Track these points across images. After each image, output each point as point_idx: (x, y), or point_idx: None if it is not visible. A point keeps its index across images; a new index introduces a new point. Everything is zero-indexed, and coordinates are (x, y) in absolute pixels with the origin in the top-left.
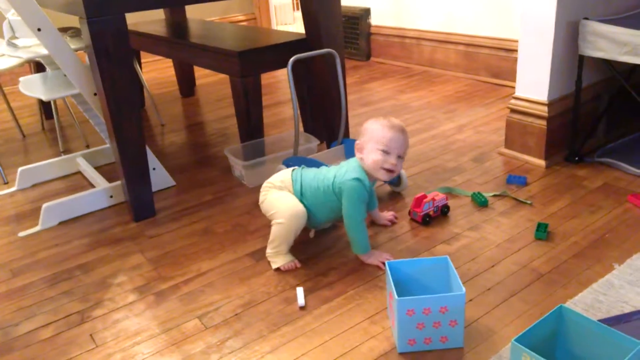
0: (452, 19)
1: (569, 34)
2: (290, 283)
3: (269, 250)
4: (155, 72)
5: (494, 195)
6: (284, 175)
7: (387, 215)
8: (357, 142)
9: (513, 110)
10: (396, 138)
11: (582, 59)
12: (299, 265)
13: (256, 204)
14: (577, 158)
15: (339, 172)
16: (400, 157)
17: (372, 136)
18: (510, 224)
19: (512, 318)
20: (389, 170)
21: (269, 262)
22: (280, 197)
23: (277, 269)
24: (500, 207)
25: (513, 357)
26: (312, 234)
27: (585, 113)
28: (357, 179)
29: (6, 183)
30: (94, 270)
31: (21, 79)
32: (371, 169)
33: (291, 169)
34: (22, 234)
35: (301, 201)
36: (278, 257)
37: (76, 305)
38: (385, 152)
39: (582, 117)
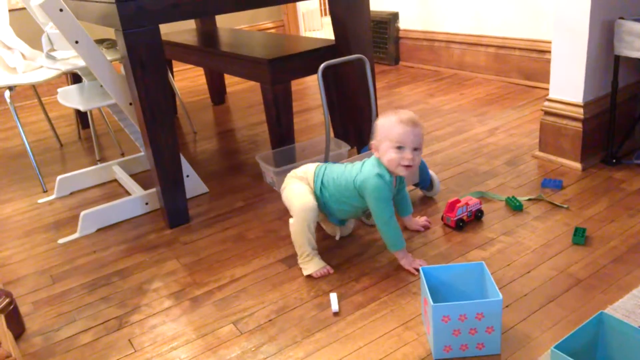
0: (481, 21)
1: (604, 34)
2: (322, 289)
3: (299, 259)
4: (187, 80)
5: (529, 200)
6: (307, 168)
7: (420, 220)
8: (371, 142)
9: (547, 113)
10: (407, 132)
11: (618, 59)
12: (332, 271)
13: (287, 211)
14: (614, 160)
15: (361, 168)
16: (416, 150)
17: (385, 134)
18: (546, 229)
19: (550, 324)
20: (407, 166)
21: (300, 269)
22: (295, 190)
23: (309, 276)
24: (535, 212)
25: None
26: (337, 236)
27: (622, 114)
28: (378, 175)
29: (45, 191)
30: (130, 276)
31: (59, 89)
32: (389, 167)
33: (316, 163)
34: (61, 240)
35: (320, 197)
36: (309, 264)
37: (114, 311)
38: (400, 149)
39: (618, 118)
